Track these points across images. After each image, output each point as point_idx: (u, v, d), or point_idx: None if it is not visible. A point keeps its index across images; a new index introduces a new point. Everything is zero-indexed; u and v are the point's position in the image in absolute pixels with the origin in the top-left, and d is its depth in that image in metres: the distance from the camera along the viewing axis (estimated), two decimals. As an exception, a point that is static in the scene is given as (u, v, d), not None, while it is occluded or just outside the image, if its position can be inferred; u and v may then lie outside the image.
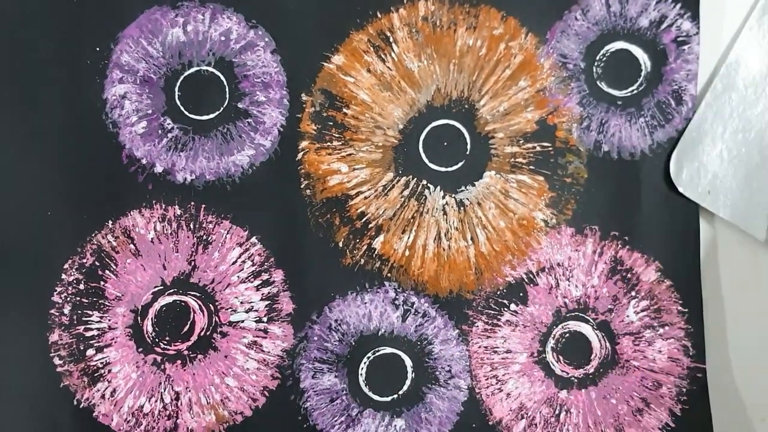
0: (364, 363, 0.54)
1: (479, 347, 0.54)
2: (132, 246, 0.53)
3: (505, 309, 0.54)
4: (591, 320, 0.54)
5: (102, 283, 0.53)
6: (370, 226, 0.54)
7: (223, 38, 0.53)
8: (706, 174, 0.54)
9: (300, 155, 0.54)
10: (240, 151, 0.53)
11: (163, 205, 0.53)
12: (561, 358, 0.54)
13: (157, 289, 0.53)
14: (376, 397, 0.54)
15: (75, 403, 0.52)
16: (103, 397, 0.52)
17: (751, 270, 0.55)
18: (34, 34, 0.53)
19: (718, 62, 0.55)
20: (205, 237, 0.53)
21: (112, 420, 0.52)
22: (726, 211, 0.53)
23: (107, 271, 0.53)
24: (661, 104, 0.55)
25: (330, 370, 0.54)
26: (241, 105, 0.54)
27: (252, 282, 0.53)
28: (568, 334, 0.54)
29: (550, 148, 0.54)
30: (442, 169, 0.54)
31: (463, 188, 0.54)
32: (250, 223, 0.53)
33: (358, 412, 0.54)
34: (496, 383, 0.54)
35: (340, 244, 0.54)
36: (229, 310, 0.53)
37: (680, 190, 0.54)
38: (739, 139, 0.54)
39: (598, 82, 0.55)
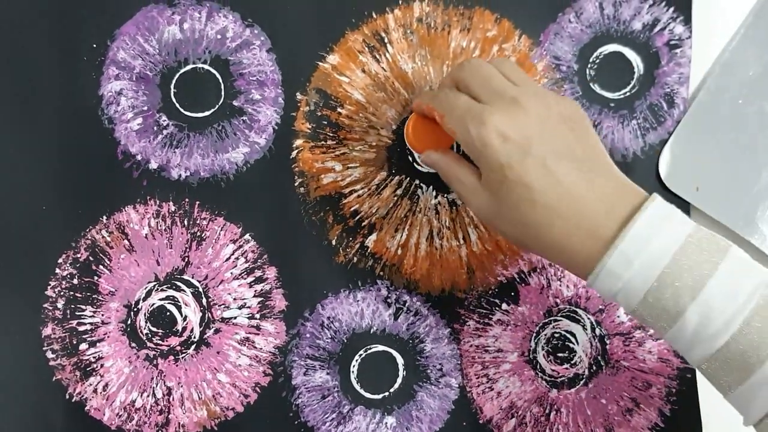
0: (356, 360, 0.54)
1: (470, 346, 0.54)
2: (126, 241, 0.53)
3: (497, 308, 0.55)
4: (582, 320, 0.55)
5: (96, 278, 0.53)
6: (363, 224, 0.54)
7: (219, 36, 0.54)
8: (696, 171, 0.54)
9: (294, 153, 0.54)
10: (235, 148, 0.54)
11: (158, 202, 0.53)
12: (552, 357, 0.55)
13: (150, 284, 0.53)
14: (367, 395, 0.54)
15: (67, 397, 0.52)
16: (95, 391, 0.53)
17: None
18: (32, 30, 0.53)
19: (711, 65, 0.56)
20: (199, 233, 0.54)
21: (104, 414, 0.53)
22: (714, 208, 0.54)
23: (101, 266, 0.53)
24: (653, 107, 0.55)
25: (322, 367, 0.54)
26: (236, 103, 0.54)
27: (245, 279, 0.54)
28: (558, 334, 0.55)
29: (543, 149, 0.55)
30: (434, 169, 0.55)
31: (455, 188, 0.55)
32: (243, 220, 0.54)
33: (350, 409, 0.54)
34: (487, 382, 0.54)
35: (333, 242, 0.54)
36: (222, 306, 0.54)
37: (668, 185, 0.54)
38: (731, 138, 0.54)
39: (591, 84, 0.55)
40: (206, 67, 0.54)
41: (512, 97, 0.43)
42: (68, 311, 0.53)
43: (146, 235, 0.53)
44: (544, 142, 0.41)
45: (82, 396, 0.53)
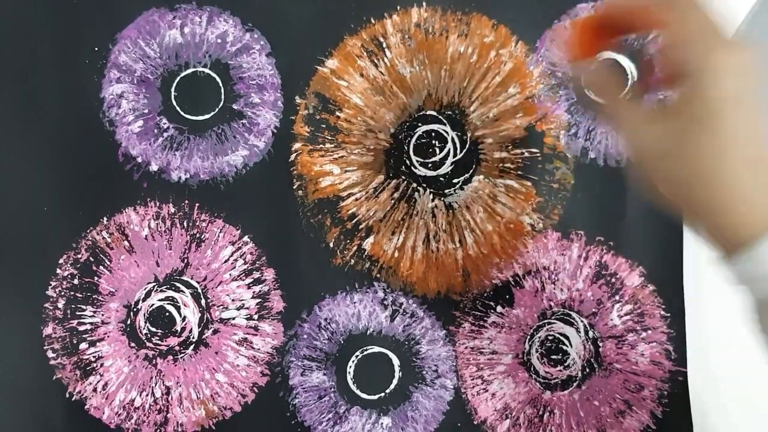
0: (353, 361, 0.55)
1: (465, 348, 0.55)
2: (126, 242, 0.54)
3: (492, 311, 0.55)
4: (575, 323, 0.55)
5: (96, 278, 0.54)
6: (361, 227, 0.55)
7: (219, 40, 0.54)
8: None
9: (293, 156, 0.55)
10: (234, 151, 0.54)
11: (158, 203, 0.54)
12: (545, 359, 0.55)
13: (150, 285, 0.54)
14: (363, 395, 0.55)
15: (67, 395, 0.53)
16: (95, 390, 0.53)
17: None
18: (34, 34, 0.54)
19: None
20: (198, 235, 0.54)
21: (104, 413, 0.53)
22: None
23: (101, 267, 0.54)
24: (647, 113, 0.56)
25: (319, 367, 0.55)
26: (235, 106, 0.55)
27: (243, 280, 0.54)
28: (552, 337, 0.55)
29: (538, 154, 0.56)
30: (432, 172, 0.55)
31: (451, 192, 0.55)
32: (242, 222, 0.54)
33: (346, 409, 0.55)
34: (482, 383, 0.55)
35: (331, 245, 0.55)
36: (221, 307, 0.54)
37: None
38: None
39: (585, 90, 0.56)
40: (206, 70, 0.55)
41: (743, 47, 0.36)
42: (69, 311, 0.53)
43: (146, 236, 0.54)
44: (760, 99, 0.36)
45: (82, 395, 0.53)
